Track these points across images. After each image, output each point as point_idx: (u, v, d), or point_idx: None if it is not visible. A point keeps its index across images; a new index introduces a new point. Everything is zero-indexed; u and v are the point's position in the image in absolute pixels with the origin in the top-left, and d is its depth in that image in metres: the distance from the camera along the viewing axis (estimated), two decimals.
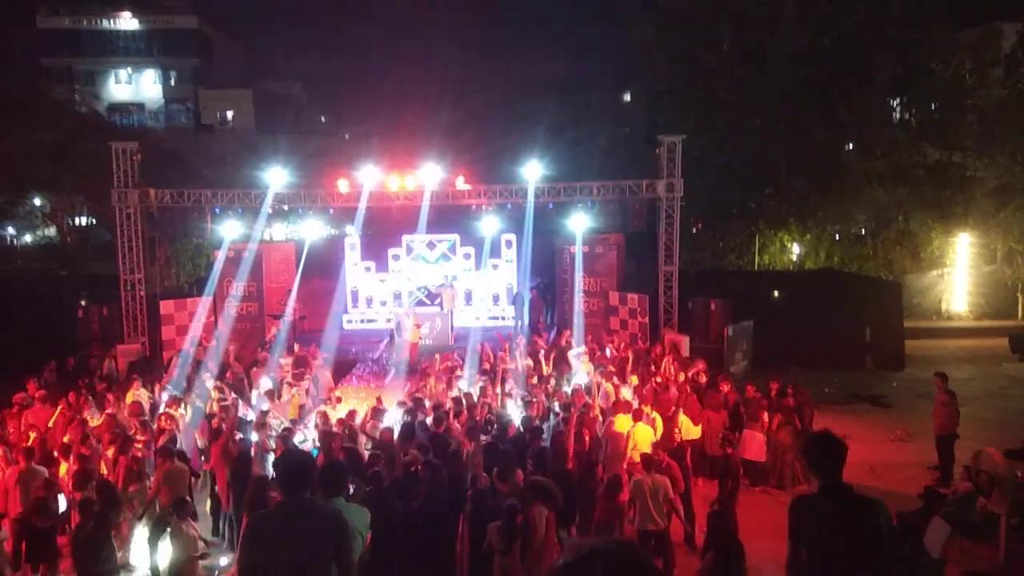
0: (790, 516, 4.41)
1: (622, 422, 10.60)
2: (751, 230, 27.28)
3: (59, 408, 11.58)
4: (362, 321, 22.10)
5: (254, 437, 10.34)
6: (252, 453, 9.79)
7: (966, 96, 26.07)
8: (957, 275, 26.14)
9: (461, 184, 19.14)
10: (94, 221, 32.16)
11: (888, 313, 19.88)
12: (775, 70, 25.87)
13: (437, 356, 15.64)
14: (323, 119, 56.19)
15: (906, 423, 14.31)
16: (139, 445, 10.30)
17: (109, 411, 11.78)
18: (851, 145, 27.40)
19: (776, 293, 20.13)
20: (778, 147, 26.06)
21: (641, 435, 10.11)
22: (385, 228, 22.08)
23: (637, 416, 10.44)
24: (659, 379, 13.19)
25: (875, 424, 14.65)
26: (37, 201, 32.35)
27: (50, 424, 11.29)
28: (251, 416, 11.82)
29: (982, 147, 25.66)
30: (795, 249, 28.02)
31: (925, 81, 26.16)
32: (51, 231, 34.64)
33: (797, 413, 11.93)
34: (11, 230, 35.16)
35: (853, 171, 25.83)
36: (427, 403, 12.04)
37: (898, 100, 28.13)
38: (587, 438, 10.09)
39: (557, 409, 11.68)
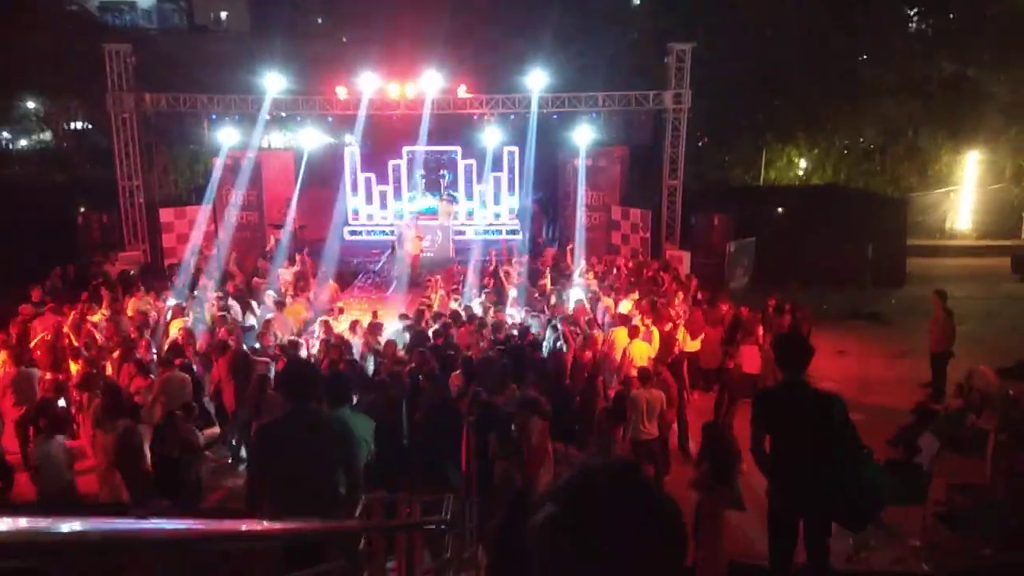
0: (754, 405, 5.00)
1: (620, 336, 10.75)
2: (758, 144, 26.86)
3: (70, 316, 11.67)
4: (367, 233, 22.01)
5: (256, 346, 10.48)
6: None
7: (985, 5, 25.17)
8: (963, 193, 25.91)
9: (463, 93, 18.73)
10: (90, 126, 31.57)
11: (892, 230, 19.80)
12: None
13: (436, 277, 15.64)
14: (320, 21, 54.34)
15: (903, 340, 14.47)
16: (141, 352, 10.47)
17: (110, 314, 11.91)
18: (865, 56, 26.65)
19: (780, 209, 20.01)
20: (791, 55, 25.35)
21: (637, 351, 10.25)
22: (385, 137, 21.69)
23: (633, 332, 10.56)
24: (660, 295, 13.26)
25: (872, 340, 14.83)
26: (31, 104, 31.70)
27: (64, 330, 11.41)
28: (252, 322, 11.97)
29: (998, 60, 24.96)
30: (802, 164, 27.67)
31: None
32: (47, 136, 34.08)
33: (793, 329, 12.06)
34: (6, 134, 34.55)
35: (865, 82, 25.22)
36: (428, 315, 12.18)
37: (915, 9, 27.19)
38: (589, 355, 10.21)
39: (557, 324, 11.80)
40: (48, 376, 9.68)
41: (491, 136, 21.17)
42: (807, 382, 4.77)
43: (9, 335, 10.76)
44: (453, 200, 21.04)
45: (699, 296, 13.16)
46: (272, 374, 9.48)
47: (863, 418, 10.93)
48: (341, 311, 13.63)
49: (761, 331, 11.81)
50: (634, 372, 9.88)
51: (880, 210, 20.58)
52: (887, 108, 25.46)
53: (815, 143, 26.74)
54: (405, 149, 21.71)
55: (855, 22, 24.67)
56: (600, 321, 12.07)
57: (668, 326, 11.56)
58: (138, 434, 7.59)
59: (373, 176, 22.27)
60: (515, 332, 11.18)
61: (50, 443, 7.57)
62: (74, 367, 10.13)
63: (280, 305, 12.80)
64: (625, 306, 12.16)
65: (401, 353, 10.13)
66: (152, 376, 9.45)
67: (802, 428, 4.61)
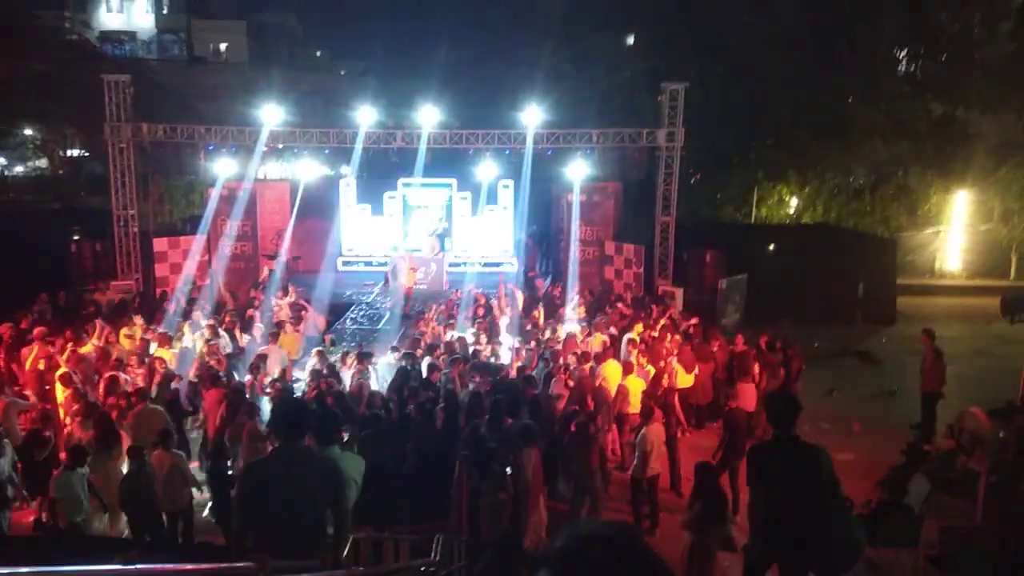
0: (748, 462, 5.25)
1: (611, 370, 10.77)
2: (750, 182, 27.13)
3: (59, 344, 11.58)
4: (361, 265, 22.06)
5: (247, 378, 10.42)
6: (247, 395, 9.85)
7: (974, 49, 25.66)
8: (953, 233, 26.17)
9: (458, 127, 18.93)
10: (87, 154, 31.67)
11: (882, 269, 19.97)
12: (784, 14, 25.36)
13: (434, 306, 15.63)
14: (318, 54, 55.01)
15: (894, 379, 14.50)
16: (137, 377, 10.40)
17: (99, 343, 11.84)
18: (854, 98, 27.05)
19: (771, 246, 20.15)
20: (782, 95, 25.72)
21: (633, 387, 10.25)
22: (381, 171, 21.85)
23: (628, 368, 10.56)
24: (654, 331, 13.27)
25: (863, 379, 14.85)
26: (28, 131, 31.80)
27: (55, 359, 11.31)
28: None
29: (986, 103, 25.38)
30: (793, 203, 27.93)
31: (933, 33, 25.71)
32: (42, 163, 34.14)
33: (784, 367, 12.08)
34: (2, 160, 34.62)
35: (855, 123, 25.57)
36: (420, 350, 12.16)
37: (905, 52, 27.68)
38: (589, 399, 10.19)
39: (547, 356, 11.79)
40: (36, 405, 9.62)
41: (486, 170, 21.34)
42: (797, 436, 5.02)
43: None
44: (440, 235, 21.11)
45: (691, 331, 13.18)
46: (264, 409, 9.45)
47: (853, 458, 10.99)
48: (332, 342, 13.60)
49: (757, 369, 11.84)
50: (629, 408, 9.87)
51: (870, 249, 20.77)
52: (877, 148, 25.79)
53: (806, 182, 27.02)
54: (400, 181, 21.87)
55: (844, 64, 25.09)
56: (592, 354, 12.04)
57: (661, 363, 11.58)
58: (146, 472, 7.55)
59: (368, 208, 22.38)
60: (510, 368, 11.13)
61: (72, 475, 7.55)
62: (61, 396, 10.01)
63: (273, 336, 12.75)
64: (627, 338, 12.22)
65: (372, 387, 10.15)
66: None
67: (793, 481, 4.90)
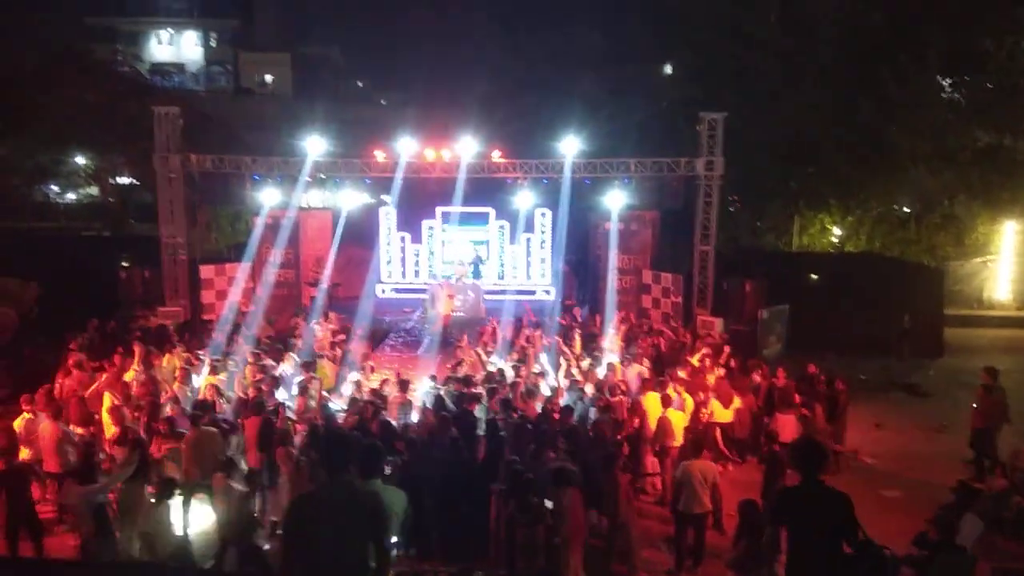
0: (775, 502, 5.68)
1: (651, 403, 10.67)
2: (790, 210, 26.84)
3: (107, 372, 11.84)
4: (395, 290, 22.30)
5: (291, 404, 10.48)
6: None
7: (1020, 76, 25.16)
8: (1002, 263, 25.53)
9: (497, 158, 19.10)
10: (136, 182, 32.60)
11: (928, 300, 19.54)
12: (823, 44, 25.21)
13: (466, 335, 15.64)
14: (360, 84, 56.17)
15: (942, 413, 14.14)
16: (175, 407, 10.55)
17: (144, 371, 12.07)
18: (897, 125, 26.68)
19: (814, 276, 19.86)
20: (823, 124, 25.48)
21: (674, 420, 10.14)
22: (420, 199, 22.10)
23: (667, 401, 10.46)
24: (694, 363, 13.11)
25: (909, 413, 14.50)
26: (80, 160, 32.86)
27: (93, 386, 11.58)
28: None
29: None
30: (835, 231, 27.54)
31: (979, 60, 25.29)
32: (93, 190, 35.22)
33: (830, 401, 11.84)
34: (54, 188, 35.79)
35: (899, 152, 25.19)
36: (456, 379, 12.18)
37: (949, 79, 27.25)
38: (637, 425, 10.11)
39: (588, 391, 11.68)
40: (80, 431, 9.81)
41: (524, 199, 21.46)
42: (823, 482, 5.25)
43: (48, 393, 10.88)
44: (474, 263, 21.21)
45: (731, 364, 13.00)
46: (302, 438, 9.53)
47: (901, 495, 10.72)
48: (373, 369, 13.70)
49: (798, 399, 11.63)
50: (671, 442, 9.73)
51: (916, 279, 20.36)
52: (921, 177, 25.35)
53: (848, 210, 26.64)
54: (439, 210, 22.08)
55: (886, 91, 24.79)
56: (630, 387, 11.94)
57: (701, 395, 11.44)
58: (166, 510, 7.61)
59: (408, 236, 22.63)
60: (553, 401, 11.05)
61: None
62: (107, 423, 10.20)
63: (308, 366, 12.82)
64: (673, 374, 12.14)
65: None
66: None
67: (819, 527, 5.17)
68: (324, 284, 19.45)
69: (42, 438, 9.48)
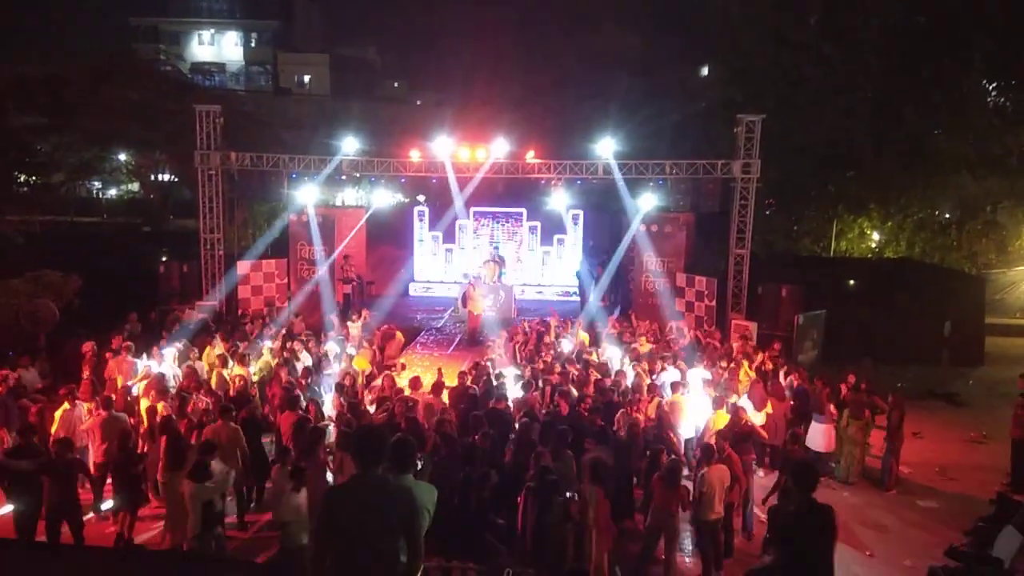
0: (776, 523, 6.15)
1: (680, 403, 10.62)
2: (829, 214, 26.46)
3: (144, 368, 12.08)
4: (427, 288, 22.44)
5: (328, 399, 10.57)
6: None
7: None
8: None
9: (531, 158, 19.10)
10: (176, 179, 33.21)
11: (969, 308, 19.12)
12: (865, 48, 24.80)
13: (504, 332, 15.68)
14: (396, 84, 56.59)
15: (981, 423, 13.83)
16: (209, 400, 10.72)
17: (186, 364, 12.31)
18: (940, 129, 26.16)
19: (852, 282, 19.55)
20: (864, 128, 25.07)
21: (721, 423, 10.01)
22: (454, 199, 22.22)
23: (719, 403, 10.39)
24: (729, 364, 12.98)
25: (948, 423, 14.19)
26: (122, 157, 33.56)
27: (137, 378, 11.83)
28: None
29: None
30: (874, 236, 27.08)
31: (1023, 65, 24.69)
32: (135, 186, 35.96)
33: (869, 407, 11.63)
34: (97, 184, 36.63)
35: (941, 156, 24.70)
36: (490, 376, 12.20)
37: (994, 84, 26.64)
38: (672, 435, 10.04)
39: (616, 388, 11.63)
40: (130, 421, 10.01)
41: (557, 200, 21.45)
42: (814, 500, 5.62)
43: (93, 381, 11.12)
44: (500, 261, 21.22)
45: (766, 368, 12.83)
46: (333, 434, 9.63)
47: (938, 506, 10.53)
48: (403, 367, 13.79)
49: (834, 408, 11.46)
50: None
51: (957, 286, 19.95)
52: (964, 182, 24.83)
53: (888, 215, 26.17)
54: (472, 209, 22.18)
55: (930, 95, 24.31)
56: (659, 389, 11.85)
57: (733, 398, 11.32)
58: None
59: (440, 235, 22.77)
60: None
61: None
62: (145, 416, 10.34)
63: (348, 358, 13.00)
64: (698, 375, 11.98)
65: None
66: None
67: (813, 543, 5.54)
68: (357, 282, 19.65)
69: (90, 428, 9.68)
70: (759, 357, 13.48)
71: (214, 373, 12.07)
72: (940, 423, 14.08)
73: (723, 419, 10.18)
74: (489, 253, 21.30)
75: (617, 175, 18.28)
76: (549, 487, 7.48)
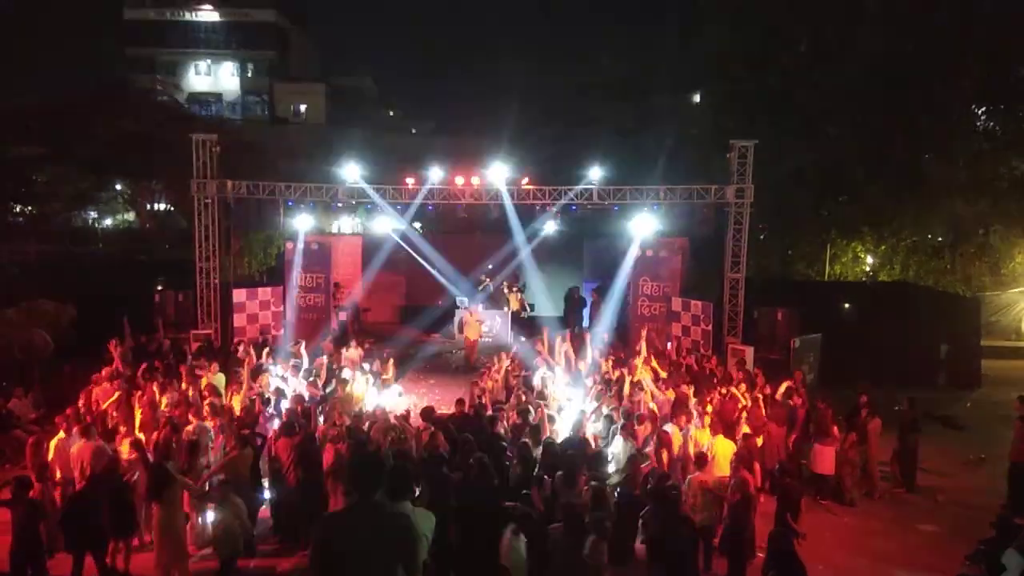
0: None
1: (722, 447, 10.45)
2: (822, 238, 26.59)
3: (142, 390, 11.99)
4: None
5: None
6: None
7: None
8: None
9: (526, 185, 19.21)
10: (172, 208, 33.29)
11: (965, 330, 19.16)
12: (854, 72, 25.11)
13: (497, 356, 15.63)
14: (391, 114, 57.07)
15: (979, 445, 13.78)
16: (209, 424, 10.64)
17: (178, 390, 12.22)
18: (931, 154, 26.41)
19: (847, 305, 19.59)
20: (854, 153, 25.30)
21: (722, 450, 9.89)
22: (450, 225, 22.30)
23: (715, 429, 10.30)
24: (723, 390, 12.92)
25: (946, 445, 14.12)
26: (119, 186, 33.67)
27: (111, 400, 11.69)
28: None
29: None
30: (868, 260, 27.20)
31: (1015, 89, 25.01)
32: (130, 216, 36.02)
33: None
34: (93, 213, 36.69)
35: (932, 181, 24.90)
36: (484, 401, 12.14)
37: (984, 108, 26.95)
38: (665, 457, 9.91)
39: (612, 414, 11.54)
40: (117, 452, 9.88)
41: (551, 226, 21.52)
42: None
43: (78, 409, 11.04)
44: (522, 289, 21.27)
45: (766, 391, 12.75)
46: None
47: (937, 530, 10.45)
48: (400, 394, 13.74)
49: (836, 431, 11.43)
50: (718, 472, 9.44)
51: (952, 309, 20.01)
52: (956, 206, 25.01)
53: (881, 239, 26.31)
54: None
55: (919, 120, 24.57)
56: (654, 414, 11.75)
57: (734, 420, 11.30)
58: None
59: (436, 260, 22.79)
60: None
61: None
62: (126, 443, 10.20)
63: (343, 383, 12.92)
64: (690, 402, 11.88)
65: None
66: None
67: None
68: (353, 308, 19.63)
69: (73, 457, 9.53)
70: (759, 380, 13.40)
71: (206, 402, 11.93)
72: (938, 446, 13.99)
73: (724, 445, 10.07)
74: (507, 282, 21.35)
75: (596, 200, 18.36)
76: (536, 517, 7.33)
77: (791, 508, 8.76)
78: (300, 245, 19.25)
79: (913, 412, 12.42)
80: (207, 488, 8.69)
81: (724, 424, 10.93)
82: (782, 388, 12.22)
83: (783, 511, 8.76)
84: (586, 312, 21.46)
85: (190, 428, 10.47)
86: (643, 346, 14.34)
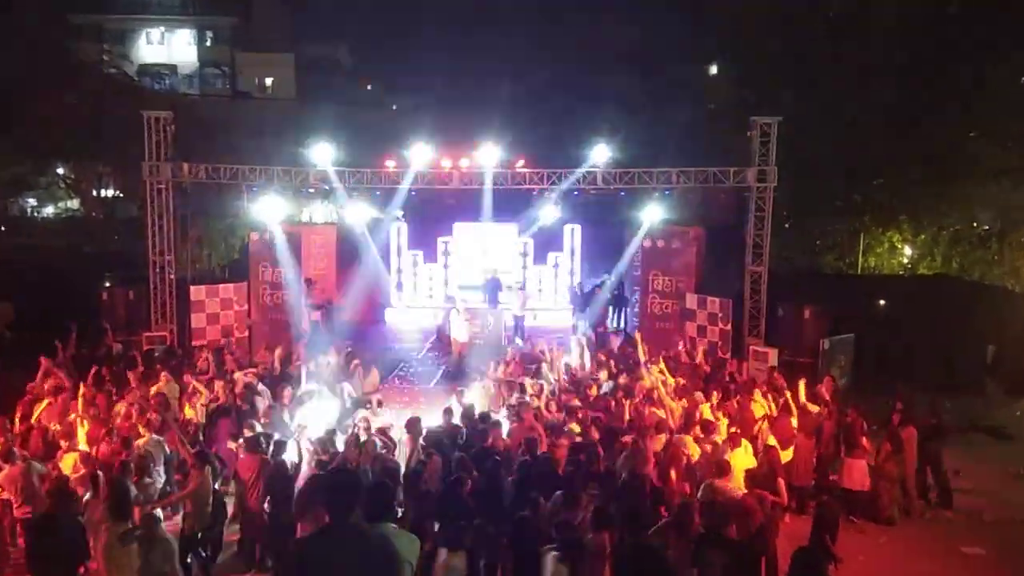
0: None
1: (690, 442, 10.56)
2: (855, 227, 26.64)
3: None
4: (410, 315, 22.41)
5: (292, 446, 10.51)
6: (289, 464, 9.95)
7: None
8: None
9: (521, 167, 19.19)
10: (121, 194, 33.17)
11: (1015, 330, 19.22)
12: (891, 41, 25.12)
13: (492, 363, 15.63)
14: (369, 88, 56.87)
15: None
16: (161, 438, 10.63)
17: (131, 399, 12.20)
18: (975, 132, 26.44)
19: (882, 302, 19.65)
20: (892, 131, 25.32)
21: (739, 463, 9.91)
22: (435, 214, 22.29)
23: (734, 441, 10.32)
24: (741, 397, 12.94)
25: (992, 458, 14.19)
26: (60, 170, 33.47)
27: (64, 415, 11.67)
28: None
29: None
30: (906, 251, 27.26)
31: None
32: (74, 203, 35.86)
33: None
34: (32, 201, 36.51)
35: (979, 163, 24.94)
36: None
37: None
38: (673, 474, 9.92)
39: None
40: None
41: (551, 213, 21.52)
42: None
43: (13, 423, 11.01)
44: (524, 287, 21.24)
45: (793, 400, 12.75)
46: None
47: (984, 552, 10.48)
48: (380, 404, 13.70)
49: (866, 441, 11.48)
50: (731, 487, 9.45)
51: (1000, 306, 20.07)
52: (1005, 191, 25.04)
53: (921, 227, 26.37)
54: (456, 225, 22.22)
55: (964, 97, 24.57)
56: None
57: (757, 428, 11.35)
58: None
59: (420, 254, 22.77)
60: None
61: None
62: (69, 458, 10.20)
63: (311, 395, 12.86)
64: (705, 410, 11.89)
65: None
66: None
67: None
68: (327, 307, 19.57)
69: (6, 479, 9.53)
70: (780, 385, 13.43)
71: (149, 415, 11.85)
72: (984, 459, 14.07)
73: (741, 458, 10.08)
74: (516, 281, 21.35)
75: (600, 183, 18.37)
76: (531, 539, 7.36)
77: (829, 529, 8.77)
78: (267, 236, 19.19)
79: (936, 417, 12.44)
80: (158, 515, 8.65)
81: (743, 435, 10.96)
82: (801, 389, 12.26)
83: (819, 532, 8.76)
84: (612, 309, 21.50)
85: (141, 442, 10.49)
86: (642, 350, 14.41)
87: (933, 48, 24.90)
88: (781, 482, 9.80)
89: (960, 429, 15.58)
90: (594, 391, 13.61)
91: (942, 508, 12.01)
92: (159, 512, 8.37)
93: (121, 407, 11.92)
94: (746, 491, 9.03)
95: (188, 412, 12.32)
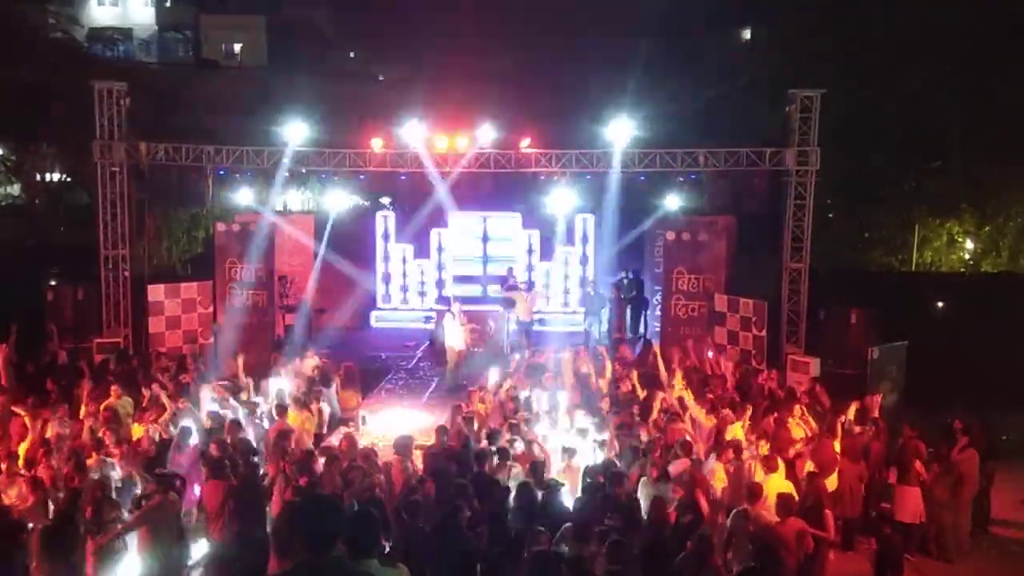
0: None
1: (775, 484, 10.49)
2: (908, 218, 26.63)
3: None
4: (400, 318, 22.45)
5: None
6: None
7: None
8: None
9: (527, 148, 19.19)
10: (68, 179, 33.18)
11: None
12: (949, 7, 25.13)
13: (493, 372, 15.65)
14: (352, 56, 56.85)
15: None
16: (114, 460, 10.68)
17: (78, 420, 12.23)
18: None
19: (940, 304, 19.64)
20: (950, 109, 25.31)
21: (772, 487, 9.91)
22: (428, 201, 22.28)
23: (770, 464, 10.31)
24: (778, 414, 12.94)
25: None
26: None
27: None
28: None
29: None
30: (968, 245, 27.25)
31: None
32: (14, 189, 35.88)
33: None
34: None
35: None
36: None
37: None
38: (703, 502, 9.92)
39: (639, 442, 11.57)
40: None
41: (561, 201, 21.51)
42: None
43: None
44: (531, 288, 21.23)
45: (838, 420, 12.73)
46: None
47: None
48: (364, 419, 13.76)
49: (920, 466, 11.48)
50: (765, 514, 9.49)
51: None
52: None
53: (985, 218, 26.36)
54: (452, 216, 22.23)
55: None
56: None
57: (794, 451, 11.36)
58: None
59: (411, 248, 22.77)
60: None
61: None
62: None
63: (280, 411, 12.79)
64: (737, 430, 11.88)
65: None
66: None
67: None
68: (305, 310, 19.61)
69: None
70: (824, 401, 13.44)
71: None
72: None
73: (776, 483, 10.08)
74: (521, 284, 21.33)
75: (617, 166, 18.36)
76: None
77: (893, 569, 8.78)
78: (234, 227, 19.21)
79: (988, 436, 12.50)
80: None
81: (780, 459, 10.97)
82: (851, 411, 12.24)
83: (882, 572, 8.78)
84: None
85: (90, 462, 10.53)
86: (661, 364, 14.41)
87: (998, 15, 24.91)
88: (829, 514, 9.78)
89: None
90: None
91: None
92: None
93: (53, 426, 11.93)
94: (779, 519, 9.05)
95: (137, 431, 12.27)
